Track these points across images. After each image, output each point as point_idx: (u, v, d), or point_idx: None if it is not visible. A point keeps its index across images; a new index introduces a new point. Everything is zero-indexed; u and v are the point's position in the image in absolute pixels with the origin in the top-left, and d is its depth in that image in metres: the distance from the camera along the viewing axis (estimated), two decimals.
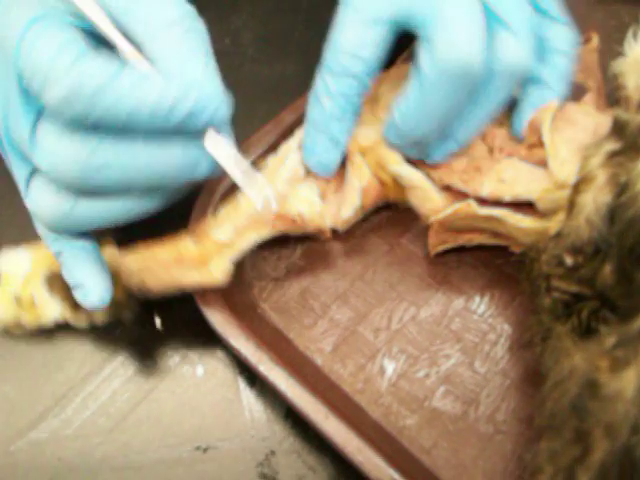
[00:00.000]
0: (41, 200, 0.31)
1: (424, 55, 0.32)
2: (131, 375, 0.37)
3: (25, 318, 0.36)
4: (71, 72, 0.27)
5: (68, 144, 0.29)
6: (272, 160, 0.38)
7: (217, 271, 0.35)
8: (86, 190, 0.30)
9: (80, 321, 0.37)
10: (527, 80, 0.37)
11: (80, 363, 0.38)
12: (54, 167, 0.29)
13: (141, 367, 0.38)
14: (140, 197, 0.31)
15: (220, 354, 0.38)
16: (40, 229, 0.34)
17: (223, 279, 0.35)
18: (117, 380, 0.37)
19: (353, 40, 0.34)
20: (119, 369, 0.37)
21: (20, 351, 0.38)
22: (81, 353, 0.38)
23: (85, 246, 0.33)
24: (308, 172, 0.38)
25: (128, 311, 0.37)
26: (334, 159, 0.37)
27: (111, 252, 0.35)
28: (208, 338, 0.38)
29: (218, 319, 0.35)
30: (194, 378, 0.37)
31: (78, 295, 0.33)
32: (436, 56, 0.31)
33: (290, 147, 0.38)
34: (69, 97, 0.27)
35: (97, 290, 0.33)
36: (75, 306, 0.35)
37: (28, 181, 0.32)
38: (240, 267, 0.39)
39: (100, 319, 0.36)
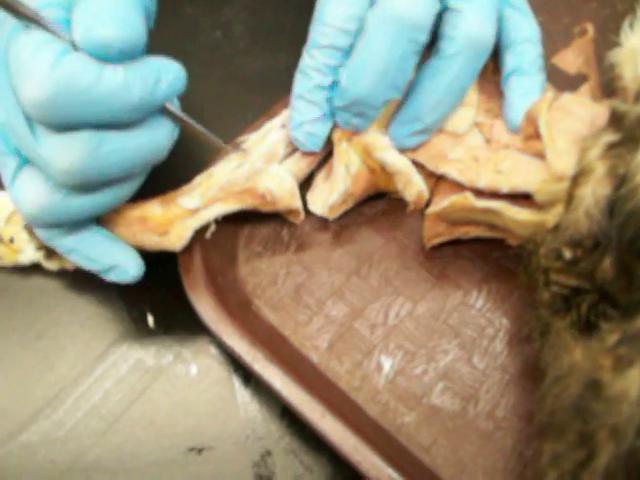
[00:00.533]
0: (29, 192, 0.31)
1: (370, 11, 0.34)
2: (123, 375, 0.37)
3: (3, 254, 0.38)
4: (52, 74, 0.27)
5: (69, 140, 0.29)
6: (253, 136, 0.38)
7: (175, 238, 0.35)
8: (85, 185, 0.30)
9: (52, 266, 0.38)
10: (505, 73, 0.38)
11: (71, 363, 0.37)
12: (58, 162, 0.29)
13: (133, 367, 0.37)
14: (127, 182, 0.32)
15: (214, 352, 0.37)
16: (41, 232, 0.34)
17: (180, 246, 0.35)
18: (109, 380, 0.37)
19: (338, 14, 0.34)
20: (111, 369, 0.37)
21: (10, 352, 0.37)
22: (72, 353, 0.37)
23: (93, 230, 0.34)
24: (288, 152, 0.38)
25: None
26: (323, 131, 0.37)
27: None
28: (202, 336, 0.38)
29: (211, 317, 0.35)
30: (188, 377, 0.37)
31: (113, 276, 0.35)
32: (379, 8, 0.33)
33: (273, 125, 0.38)
34: (50, 100, 0.27)
35: (133, 266, 0.35)
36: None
37: (15, 173, 0.31)
38: (234, 263, 0.39)
39: (71, 265, 0.37)
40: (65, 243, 0.34)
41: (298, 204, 0.37)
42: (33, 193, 0.31)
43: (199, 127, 0.34)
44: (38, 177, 0.31)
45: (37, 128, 0.29)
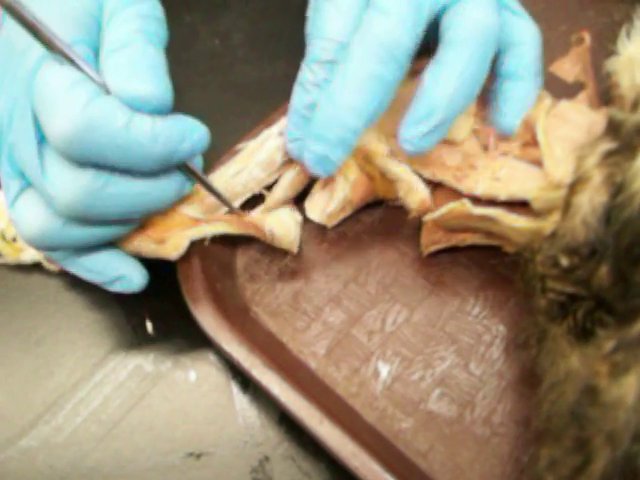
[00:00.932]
0: (30, 215, 0.31)
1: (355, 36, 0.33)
2: (122, 381, 0.37)
3: (6, 252, 0.39)
4: (85, 111, 0.27)
5: (76, 176, 0.29)
6: (251, 144, 0.38)
7: (172, 247, 0.35)
8: (84, 219, 0.31)
9: (53, 267, 0.39)
10: (499, 77, 0.37)
11: (71, 369, 0.37)
12: (61, 195, 0.29)
13: (132, 373, 0.37)
14: (129, 222, 0.33)
15: (213, 359, 0.37)
16: (54, 255, 0.34)
17: (176, 255, 0.35)
18: (108, 386, 0.37)
19: (339, 27, 0.33)
20: (110, 375, 0.37)
21: (10, 358, 0.38)
22: (72, 359, 0.38)
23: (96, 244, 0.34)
24: (285, 160, 0.38)
25: None
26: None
27: None
28: (200, 342, 0.38)
29: (210, 323, 0.35)
30: (186, 383, 0.37)
31: (119, 286, 0.35)
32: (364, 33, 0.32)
33: (271, 133, 0.38)
34: (78, 135, 0.27)
35: (137, 276, 0.35)
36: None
37: (18, 195, 0.32)
38: (232, 270, 0.39)
39: None
40: (66, 258, 0.34)
41: (294, 250, 0.38)
42: (33, 217, 0.31)
43: (214, 187, 0.35)
44: (40, 202, 0.31)
45: (46, 157, 0.29)
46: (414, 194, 0.37)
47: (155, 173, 0.31)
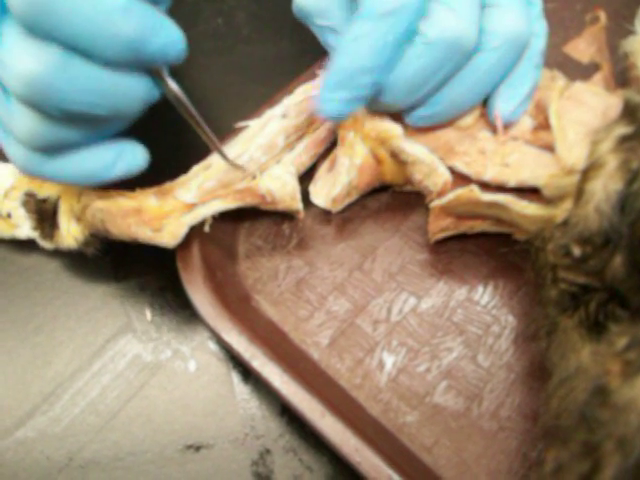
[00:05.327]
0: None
1: (422, 26, 0.32)
2: (121, 371, 0.36)
3: (1, 227, 0.38)
4: None
5: (37, 49, 0.27)
6: (254, 123, 0.37)
7: (169, 235, 0.34)
8: (42, 103, 0.28)
9: (47, 245, 0.37)
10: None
11: (69, 358, 0.37)
12: (19, 66, 0.27)
13: (131, 362, 0.36)
14: (92, 127, 0.31)
15: (213, 348, 0.36)
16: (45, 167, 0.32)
17: (174, 243, 0.34)
18: (107, 376, 0.36)
19: None
20: (109, 365, 0.36)
21: (7, 346, 0.37)
22: (69, 348, 0.37)
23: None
24: (288, 143, 0.37)
25: (92, 248, 0.36)
26: (349, 112, 0.34)
27: (87, 191, 0.35)
28: (200, 332, 0.37)
29: (210, 312, 0.34)
30: (186, 373, 0.36)
31: (122, 168, 0.32)
32: (433, 30, 0.32)
33: (274, 114, 0.37)
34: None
35: (138, 150, 0.33)
36: (45, 233, 0.37)
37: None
38: (233, 258, 0.38)
39: (65, 246, 0.36)
40: (54, 159, 0.32)
41: (298, 206, 0.36)
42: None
43: (198, 117, 0.32)
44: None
45: (6, 28, 0.27)
46: (436, 176, 0.36)
47: (121, 67, 0.28)
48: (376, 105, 0.35)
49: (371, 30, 0.31)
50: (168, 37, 0.28)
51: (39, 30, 0.27)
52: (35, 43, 0.27)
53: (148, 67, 0.29)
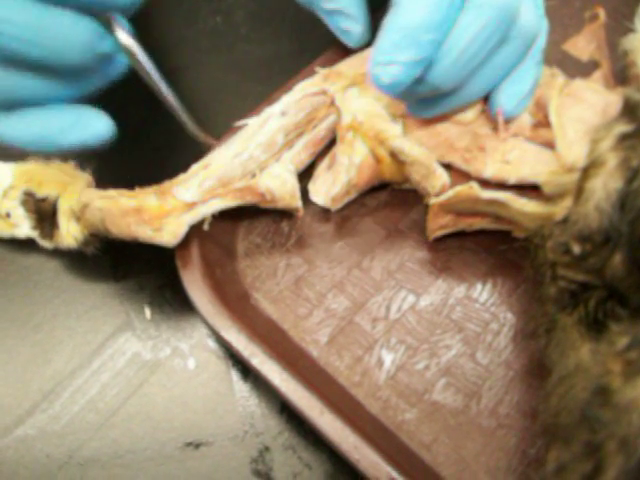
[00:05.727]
0: None
1: None
2: (120, 369, 0.36)
3: (0, 226, 0.38)
4: None
5: None
6: (253, 121, 0.37)
7: (169, 234, 0.34)
8: None
9: (47, 244, 0.37)
10: None
11: (68, 356, 0.36)
12: None
13: (131, 360, 0.36)
14: (43, 74, 0.29)
15: (212, 346, 0.36)
16: None
17: (174, 243, 0.34)
18: (106, 374, 0.36)
19: None
20: (108, 362, 0.36)
21: (6, 345, 0.37)
22: (69, 346, 0.37)
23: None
24: (287, 141, 0.37)
25: (92, 247, 0.36)
26: (408, 80, 0.31)
27: (87, 190, 0.35)
28: (200, 330, 0.37)
29: (209, 310, 0.34)
30: (185, 371, 0.36)
31: (77, 136, 0.30)
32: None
33: (273, 112, 0.37)
34: None
35: (99, 120, 0.31)
36: (44, 232, 0.37)
37: None
38: (232, 256, 0.38)
39: (64, 245, 0.36)
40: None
41: (298, 204, 0.36)
42: None
43: (154, 74, 0.30)
44: None
45: None
46: (434, 178, 0.36)
47: (65, 6, 0.27)
48: (421, 87, 0.32)
49: None
50: None
51: None
52: None
53: (95, 8, 0.27)
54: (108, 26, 0.28)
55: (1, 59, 0.27)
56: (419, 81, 0.32)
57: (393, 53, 0.30)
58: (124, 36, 0.28)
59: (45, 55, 0.27)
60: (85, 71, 0.30)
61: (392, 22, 0.30)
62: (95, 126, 0.30)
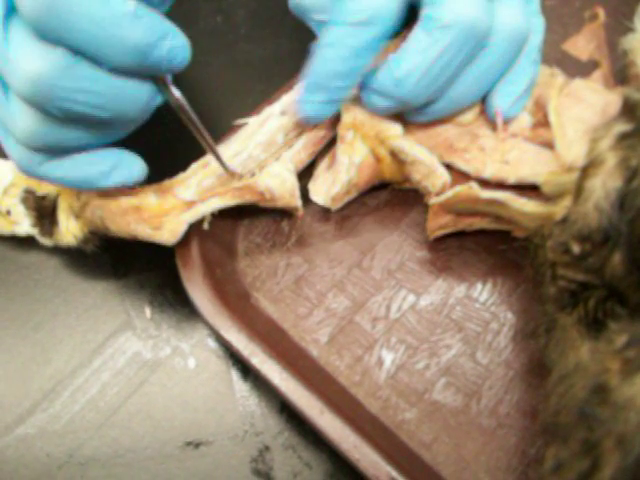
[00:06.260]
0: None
1: (435, 13, 0.32)
2: (121, 368, 0.36)
3: (0, 224, 0.38)
4: None
5: (44, 50, 0.27)
6: (253, 121, 0.37)
7: (168, 233, 0.34)
8: (45, 104, 0.28)
9: (47, 242, 0.37)
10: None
11: (68, 356, 0.37)
12: (25, 66, 0.27)
13: (131, 359, 0.36)
14: (98, 129, 0.31)
15: (212, 345, 0.37)
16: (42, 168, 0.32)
17: (173, 241, 0.34)
18: (106, 373, 0.36)
19: None
20: (108, 362, 0.36)
21: (7, 344, 0.37)
22: (69, 345, 0.37)
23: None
24: (287, 140, 0.37)
25: (91, 245, 0.37)
26: (328, 114, 0.35)
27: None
28: (200, 329, 0.37)
29: (209, 310, 0.34)
30: (186, 371, 0.36)
31: (118, 178, 0.32)
32: (448, 15, 0.32)
33: (273, 112, 0.37)
34: (50, 3, 0.26)
35: (136, 163, 0.33)
36: (44, 230, 0.37)
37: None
38: (232, 255, 0.38)
39: (64, 243, 0.36)
40: (53, 160, 0.32)
41: (297, 203, 0.36)
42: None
43: (199, 124, 0.32)
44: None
45: (13, 28, 0.28)
46: (435, 177, 0.36)
47: (126, 72, 0.28)
48: (393, 103, 0.34)
49: (344, 37, 0.32)
50: (173, 44, 0.28)
51: (47, 33, 0.27)
52: (42, 44, 0.27)
53: (152, 74, 0.29)
54: (161, 83, 0.30)
55: (65, 119, 0.29)
56: (387, 98, 0.34)
57: (310, 94, 0.34)
58: (177, 93, 0.31)
59: (110, 116, 0.29)
60: (132, 123, 0.32)
61: (311, 67, 0.34)
62: (132, 169, 0.33)
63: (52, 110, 0.29)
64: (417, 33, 0.33)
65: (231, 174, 0.35)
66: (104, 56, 0.27)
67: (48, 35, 0.27)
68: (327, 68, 0.33)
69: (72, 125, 0.30)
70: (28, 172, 0.32)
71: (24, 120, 0.29)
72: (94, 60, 0.27)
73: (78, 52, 0.27)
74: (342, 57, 0.33)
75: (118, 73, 0.28)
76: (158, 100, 0.31)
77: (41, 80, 0.27)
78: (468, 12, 0.31)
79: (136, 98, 0.30)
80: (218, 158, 0.34)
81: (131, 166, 0.33)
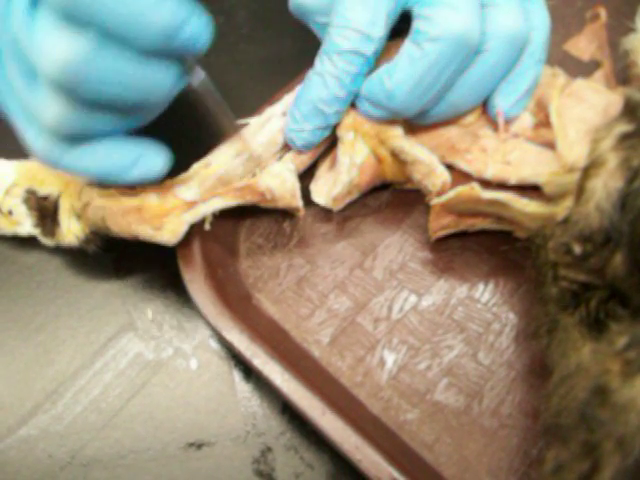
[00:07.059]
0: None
1: (424, 27, 0.32)
2: (123, 369, 0.36)
3: (3, 224, 0.38)
4: None
5: (71, 35, 0.27)
6: (255, 121, 0.37)
7: (169, 233, 0.34)
8: (72, 90, 0.28)
9: (49, 242, 0.38)
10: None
11: (71, 357, 0.37)
12: (53, 53, 0.27)
13: (133, 361, 0.36)
14: (125, 114, 0.31)
15: (214, 346, 0.37)
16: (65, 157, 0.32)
17: (174, 241, 0.34)
18: (109, 374, 0.36)
19: (363, 17, 0.33)
20: (110, 363, 0.36)
21: (9, 345, 0.37)
22: (72, 346, 0.37)
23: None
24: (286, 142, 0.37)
25: (93, 245, 0.37)
26: (318, 140, 0.37)
27: (88, 188, 0.36)
28: (202, 330, 0.37)
29: (211, 311, 0.34)
30: (188, 372, 0.36)
31: (138, 173, 0.32)
32: (437, 28, 0.32)
33: (274, 112, 0.37)
34: None
35: (158, 155, 0.32)
36: (46, 230, 0.37)
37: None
38: (234, 256, 0.38)
39: (66, 243, 0.37)
40: (75, 150, 0.31)
41: (298, 203, 0.37)
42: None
43: (225, 105, 0.32)
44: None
45: (40, 15, 0.28)
46: (435, 176, 0.36)
47: (153, 55, 0.28)
48: (386, 113, 0.35)
49: (335, 65, 0.33)
50: (199, 25, 0.28)
51: (76, 16, 0.27)
52: (71, 29, 0.27)
53: (178, 54, 0.29)
54: (186, 65, 0.30)
55: (93, 105, 0.29)
56: (379, 108, 0.35)
57: (303, 122, 0.35)
58: (202, 74, 0.31)
59: (138, 99, 0.29)
60: (158, 107, 0.32)
61: (303, 95, 0.35)
62: (155, 163, 0.32)
63: (82, 95, 0.28)
64: (408, 46, 0.33)
65: (256, 157, 0.35)
66: (132, 38, 0.27)
67: (77, 19, 0.27)
68: (317, 96, 0.34)
69: (99, 111, 0.30)
70: (51, 162, 0.32)
71: (52, 107, 0.29)
72: (122, 42, 0.27)
73: (106, 35, 0.27)
74: (332, 85, 0.34)
75: (146, 55, 0.28)
76: (182, 83, 0.31)
77: (71, 65, 0.27)
78: (458, 25, 0.32)
79: (163, 80, 0.29)
80: (242, 139, 0.34)
81: (155, 159, 0.32)
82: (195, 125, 0.37)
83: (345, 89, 0.34)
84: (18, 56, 0.29)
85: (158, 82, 0.29)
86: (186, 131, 0.34)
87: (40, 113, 0.30)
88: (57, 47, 0.27)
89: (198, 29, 0.28)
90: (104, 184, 0.34)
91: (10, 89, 0.31)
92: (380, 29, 0.33)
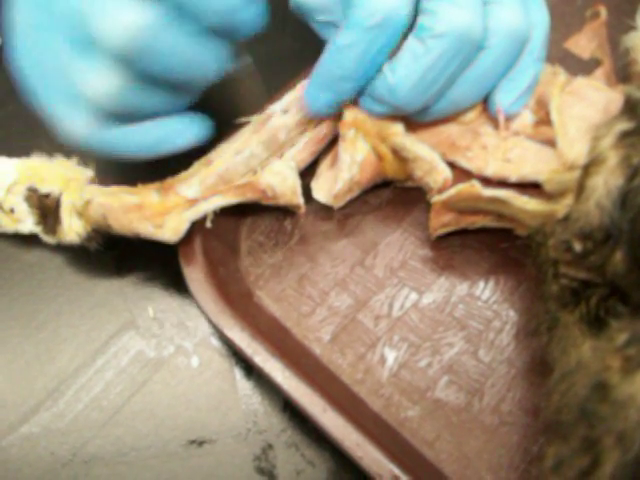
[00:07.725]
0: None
1: (428, 22, 0.32)
2: (124, 367, 0.36)
3: (4, 222, 0.38)
4: None
5: (146, 5, 0.28)
6: (255, 119, 0.37)
7: (171, 231, 0.34)
8: (141, 60, 0.29)
9: (50, 240, 0.38)
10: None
11: (72, 354, 0.37)
12: (123, 18, 0.27)
13: (134, 358, 0.36)
14: (175, 90, 0.32)
15: (216, 344, 0.37)
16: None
17: (176, 239, 0.35)
18: (110, 372, 0.36)
19: None
20: (112, 361, 0.36)
21: (10, 343, 0.37)
22: (73, 344, 0.37)
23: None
24: (289, 138, 0.37)
25: (94, 243, 0.37)
26: (331, 112, 0.36)
27: (89, 186, 0.36)
28: (203, 328, 0.37)
29: (212, 308, 0.34)
30: (189, 369, 0.36)
31: (186, 138, 0.33)
32: (441, 24, 0.31)
33: (275, 110, 0.37)
34: None
35: (203, 124, 0.33)
36: (47, 227, 0.37)
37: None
38: (235, 254, 0.38)
39: (67, 241, 0.37)
40: (124, 126, 0.32)
41: (299, 201, 0.37)
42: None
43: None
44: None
45: None
46: (437, 173, 0.36)
47: (211, 33, 0.29)
48: (388, 109, 0.35)
49: (356, 41, 0.32)
50: (258, 8, 0.29)
51: None
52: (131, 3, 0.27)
53: (231, 36, 0.30)
54: (236, 47, 0.31)
55: (147, 77, 0.30)
56: (382, 104, 0.34)
57: (320, 91, 0.34)
58: (248, 58, 0.33)
59: (190, 76, 0.30)
60: (205, 86, 0.33)
61: (322, 65, 0.34)
62: (198, 129, 0.33)
63: (143, 67, 0.29)
64: (411, 42, 0.33)
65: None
66: (202, 11, 0.28)
67: None
68: (336, 71, 0.33)
69: (152, 86, 0.30)
70: (88, 140, 0.32)
71: (106, 79, 0.29)
72: (190, 17, 0.28)
73: (179, 8, 0.28)
74: (352, 61, 0.33)
75: (206, 32, 0.29)
76: (229, 65, 0.32)
77: (141, 34, 0.27)
78: (461, 21, 0.31)
79: (217, 59, 0.30)
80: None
81: (197, 127, 0.33)
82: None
83: (363, 67, 0.33)
84: (72, 24, 0.29)
85: (211, 60, 0.30)
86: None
87: (89, 87, 0.30)
88: (129, 15, 0.27)
89: (257, 11, 0.30)
90: (106, 184, 0.35)
91: (42, 68, 0.30)
92: (405, 6, 0.32)
